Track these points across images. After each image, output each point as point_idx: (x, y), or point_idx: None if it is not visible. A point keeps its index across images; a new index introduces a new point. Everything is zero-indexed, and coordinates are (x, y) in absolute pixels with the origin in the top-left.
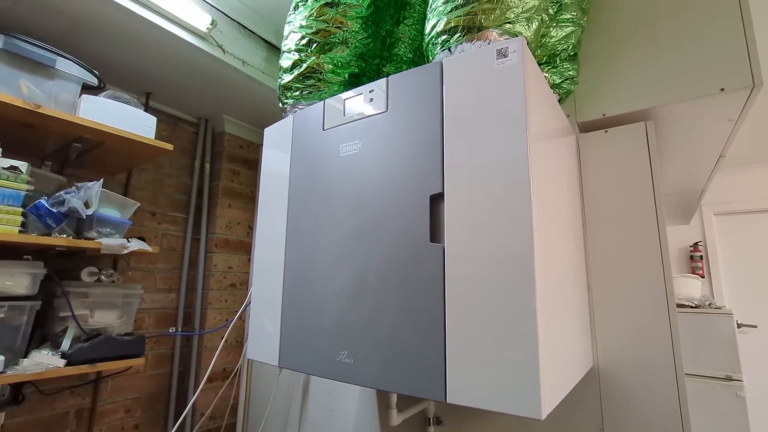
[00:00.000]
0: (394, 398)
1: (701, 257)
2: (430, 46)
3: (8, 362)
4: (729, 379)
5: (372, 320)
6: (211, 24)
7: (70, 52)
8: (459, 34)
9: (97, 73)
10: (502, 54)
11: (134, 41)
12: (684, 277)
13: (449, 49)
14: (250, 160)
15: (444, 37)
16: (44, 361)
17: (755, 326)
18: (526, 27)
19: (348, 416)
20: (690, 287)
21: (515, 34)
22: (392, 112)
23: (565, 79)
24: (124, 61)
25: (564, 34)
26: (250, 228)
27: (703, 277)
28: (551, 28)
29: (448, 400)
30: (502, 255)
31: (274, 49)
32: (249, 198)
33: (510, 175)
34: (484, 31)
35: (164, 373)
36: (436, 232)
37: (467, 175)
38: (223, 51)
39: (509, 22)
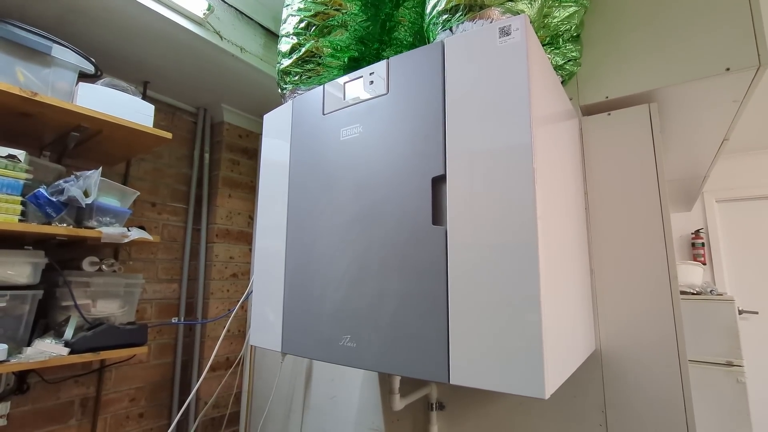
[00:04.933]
0: (396, 383)
1: (703, 244)
2: (431, 26)
3: (12, 351)
4: (730, 364)
5: (374, 304)
6: (208, 9)
7: (66, 40)
8: (460, 13)
9: (93, 60)
10: (504, 32)
11: (130, 28)
12: (686, 264)
13: (450, 29)
14: (250, 150)
15: (445, 17)
16: (48, 350)
17: (756, 312)
18: (529, 5)
19: (351, 402)
20: (691, 274)
21: (518, 12)
22: (393, 95)
23: (568, 61)
24: (120, 49)
25: (567, 14)
26: (251, 218)
27: (704, 264)
28: (554, 8)
29: (452, 382)
30: (506, 237)
31: (273, 36)
32: (249, 188)
33: (513, 156)
34: (486, 9)
35: (167, 362)
36: (438, 215)
37: (469, 156)
38: (221, 37)
39: (511, 0)
